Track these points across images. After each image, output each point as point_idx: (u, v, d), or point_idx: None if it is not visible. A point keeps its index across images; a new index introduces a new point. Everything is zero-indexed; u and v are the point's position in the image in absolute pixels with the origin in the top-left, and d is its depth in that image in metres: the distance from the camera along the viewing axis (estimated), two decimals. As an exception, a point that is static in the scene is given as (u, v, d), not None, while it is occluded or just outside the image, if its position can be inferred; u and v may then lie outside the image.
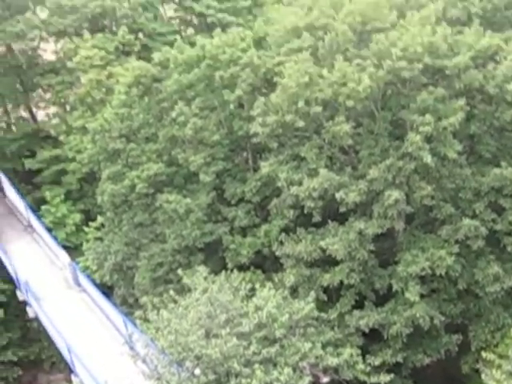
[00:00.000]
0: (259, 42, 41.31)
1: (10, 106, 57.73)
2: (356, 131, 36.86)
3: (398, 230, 37.56)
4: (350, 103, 35.25)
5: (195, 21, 59.15)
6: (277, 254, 37.98)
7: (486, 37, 37.79)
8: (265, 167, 37.21)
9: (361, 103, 35.93)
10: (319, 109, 35.57)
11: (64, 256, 46.09)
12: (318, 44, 37.67)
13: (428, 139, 35.28)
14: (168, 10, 60.39)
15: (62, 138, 52.59)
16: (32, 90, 57.06)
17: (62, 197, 52.86)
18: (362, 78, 35.05)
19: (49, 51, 57.19)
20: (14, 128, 57.74)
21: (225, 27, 48.64)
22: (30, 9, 55.30)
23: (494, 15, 40.66)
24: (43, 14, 55.90)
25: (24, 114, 58.69)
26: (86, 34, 52.39)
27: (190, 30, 58.78)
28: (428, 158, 34.55)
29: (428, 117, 34.74)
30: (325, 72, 35.88)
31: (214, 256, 40.22)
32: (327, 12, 38.75)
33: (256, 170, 39.43)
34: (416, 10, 39.52)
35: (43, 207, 52.38)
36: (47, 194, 52.67)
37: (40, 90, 57.25)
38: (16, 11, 54.01)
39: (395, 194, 34.84)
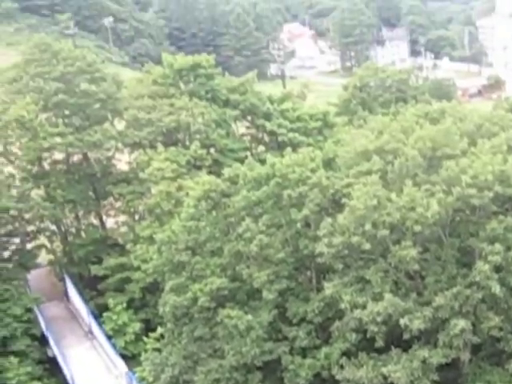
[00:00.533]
0: (328, 163, 41.71)
1: (81, 213, 59.04)
2: (423, 257, 36.39)
3: (463, 360, 36.43)
4: (417, 228, 34.98)
5: (266, 139, 60.37)
6: (336, 377, 37.06)
7: None
8: (328, 288, 36.83)
9: (429, 229, 35.63)
10: (386, 232, 35.37)
11: (121, 365, 45.91)
12: (387, 168, 37.85)
13: (497, 269, 34.61)
14: (240, 127, 61.83)
15: (128, 246, 53.24)
16: (103, 198, 58.41)
17: (124, 305, 53.15)
18: (430, 203, 34.90)
19: (123, 161, 58.81)
20: (83, 234, 58.82)
21: (295, 146, 49.50)
22: (108, 120, 57.37)
23: None
24: (120, 125, 57.86)
25: (94, 220, 59.89)
26: (160, 147, 53.82)
27: (261, 148, 59.96)
28: (496, 288, 33.81)
29: (497, 246, 34.22)
30: (393, 196, 35.86)
31: (273, 376, 39.47)
32: (397, 136, 39.10)
33: (319, 290, 39.01)
34: (487, 138, 39.60)
35: (105, 314, 52.69)
36: (110, 301, 53.04)
37: (111, 199, 58.54)
38: (95, 122, 56.08)
39: (461, 324, 33.98)
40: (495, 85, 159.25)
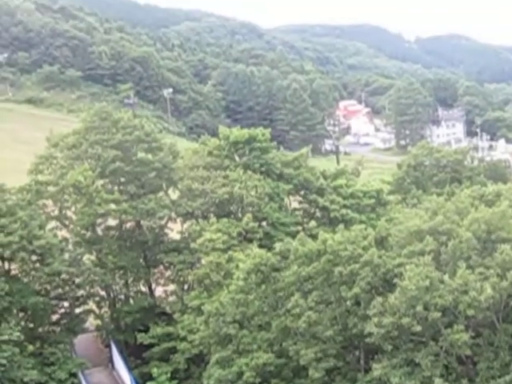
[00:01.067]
0: (381, 242, 41.36)
1: (131, 279, 59.23)
2: (475, 341, 35.58)
3: None
4: (470, 312, 34.37)
5: (318, 214, 60.22)
6: None
7: None
8: (377, 369, 36.13)
9: (482, 313, 34.96)
10: (438, 315, 34.75)
11: None
12: (440, 249, 37.44)
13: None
14: (293, 202, 61.89)
15: (176, 316, 53.03)
16: (154, 266, 58.55)
17: (169, 375, 52.58)
18: (484, 287, 34.35)
19: (175, 230, 59.13)
20: (131, 301, 58.87)
21: (347, 223, 49.22)
22: (163, 189, 58.01)
23: None
24: (174, 195, 58.43)
25: (143, 288, 59.97)
26: (212, 218, 54.07)
27: (313, 223, 59.73)
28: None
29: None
30: (446, 278, 35.38)
31: None
32: (452, 217, 38.82)
33: (367, 370, 38.26)
34: (544, 221, 38.92)
35: (149, 383, 52.18)
36: (154, 371, 52.55)
37: (161, 267, 58.63)
38: (149, 190, 56.72)
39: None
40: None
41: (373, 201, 58.97)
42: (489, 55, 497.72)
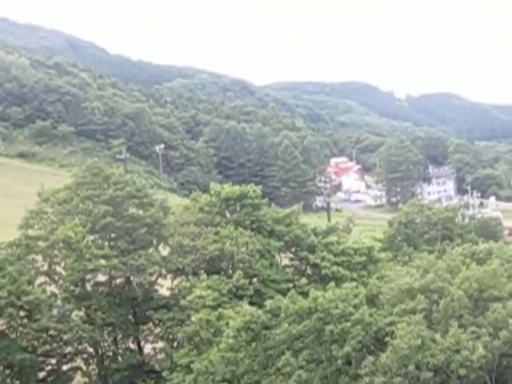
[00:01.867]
0: (372, 300, 41.14)
1: (119, 336, 58.58)
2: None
3: None
4: (462, 371, 34.06)
5: (309, 271, 59.92)
6: None
7: None
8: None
9: (474, 373, 34.61)
10: (430, 374, 34.42)
11: None
12: (432, 307, 37.24)
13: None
14: (284, 259, 61.66)
15: (165, 373, 52.34)
16: (143, 323, 57.96)
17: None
18: (476, 346, 34.06)
19: (165, 287, 58.73)
20: (120, 358, 58.11)
21: (338, 280, 48.96)
22: (153, 245, 57.79)
23: None
24: (165, 251, 58.19)
25: (132, 345, 59.26)
26: (203, 275, 53.76)
27: (304, 280, 59.33)
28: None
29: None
30: (438, 337, 35.11)
31: None
32: (443, 276, 38.73)
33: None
34: (535, 280, 38.87)
35: None
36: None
37: (151, 324, 58.06)
38: (140, 246, 56.53)
39: None
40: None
41: (364, 258, 58.78)
42: (479, 113, 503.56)
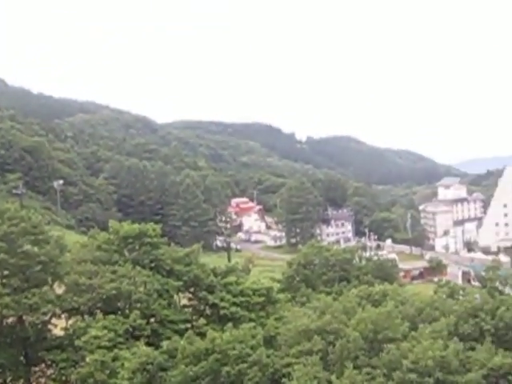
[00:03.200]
0: (270, 341, 41.18)
1: (9, 379, 56.43)
2: None
3: None
4: (358, 413, 34.19)
5: (208, 311, 59.52)
6: None
7: (499, 355, 37.64)
8: None
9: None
10: (325, 416, 34.44)
11: None
12: (328, 348, 37.53)
13: None
14: (183, 299, 61.08)
15: (56, 417, 50.73)
16: (35, 364, 56.05)
17: None
18: (371, 388, 34.35)
19: (59, 327, 57.09)
20: (9, 401, 55.91)
21: (237, 321, 48.72)
22: (48, 283, 56.17)
23: (506, 333, 40.89)
24: (60, 289, 56.67)
25: (22, 387, 57.16)
26: (99, 314, 52.59)
27: (202, 320, 58.92)
28: None
29: None
30: (333, 378, 35.37)
31: None
32: (339, 317, 39.17)
33: None
34: (428, 322, 39.83)
35: None
36: None
37: (43, 365, 56.21)
38: (34, 284, 54.82)
39: None
40: (437, 268, 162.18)
41: (263, 299, 58.82)
42: (376, 157, 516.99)
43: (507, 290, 69.73)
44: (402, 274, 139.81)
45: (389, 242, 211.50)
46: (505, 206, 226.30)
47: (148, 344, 48.65)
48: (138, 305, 54.84)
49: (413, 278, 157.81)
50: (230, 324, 41.96)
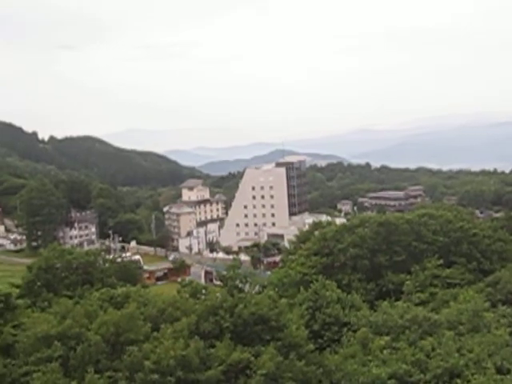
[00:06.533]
0: (7, 349, 39.41)
1: None
2: None
3: None
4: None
5: None
6: None
7: (237, 351, 38.97)
8: None
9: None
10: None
11: None
12: (69, 354, 36.73)
13: None
14: None
15: None
16: None
17: None
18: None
19: None
20: None
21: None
22: None
23: (244, 330, 42.45)
24: None
25: None
26: None
27: None
28: None
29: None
30: (74, 384, 34.57)
31: None
32: (81, 321, 38.53)
33: None
34: (170, 322, 40.32)
35: None
36: None
37: None
38: None
39: None
40: (180, 268, 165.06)
41: (0, 305, 56.21)
42: (122, 159, 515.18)
43: (247, 287, 72.61)
44: (146, 275, 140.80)
45: (133, 243, 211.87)
46: (245, 207, 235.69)
47: None
48: None
49: (157, 279, 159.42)
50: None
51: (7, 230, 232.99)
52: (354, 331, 49.74)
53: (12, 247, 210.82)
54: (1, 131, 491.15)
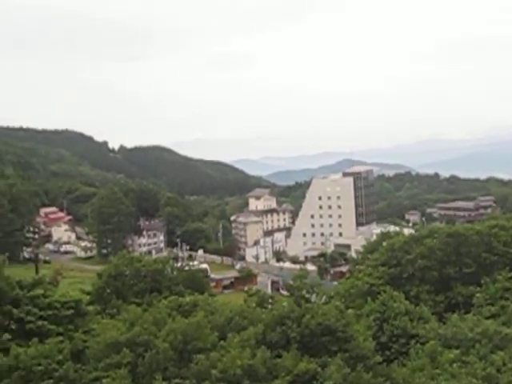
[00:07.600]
0: (77, 355, 40.14)
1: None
2: None
3: None
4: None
5: (13, 326, 57.17)
6: None
7: (304, 361, 38.87)
8: None
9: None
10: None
11: None
12: (138, 360, 37.19)
13: None
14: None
15: None
16: None
17: None
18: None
19: None
20: None
21: (44, 335, 47.07)
22: None
23: (311, 340, 42.33)
24: None
25: None
26: None
27: (7, 336, 56.53)
28: None
29: None
30: (143, 390, 34.98)
31: None
32: (149, 328, 38.95)
33: None
34: (237, 331, 40.44)
35: None
36: None
37: None
38: None
39: None
40: (247, 277, 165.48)
41: (71, 311, 57.35)
42: (189, 168, 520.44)
43: (313, 297, 72.39)
44: (213, 283, 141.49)
45: (201, 252, 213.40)
46: (312, 216, 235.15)
47: None
48: None
49: (224, 288, 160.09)
50: (35, 339, 40.43)
51: (78, 238, 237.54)
52: (423, 344, 49.05)
53: (83, 254, 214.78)
54: (73, 140, 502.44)
